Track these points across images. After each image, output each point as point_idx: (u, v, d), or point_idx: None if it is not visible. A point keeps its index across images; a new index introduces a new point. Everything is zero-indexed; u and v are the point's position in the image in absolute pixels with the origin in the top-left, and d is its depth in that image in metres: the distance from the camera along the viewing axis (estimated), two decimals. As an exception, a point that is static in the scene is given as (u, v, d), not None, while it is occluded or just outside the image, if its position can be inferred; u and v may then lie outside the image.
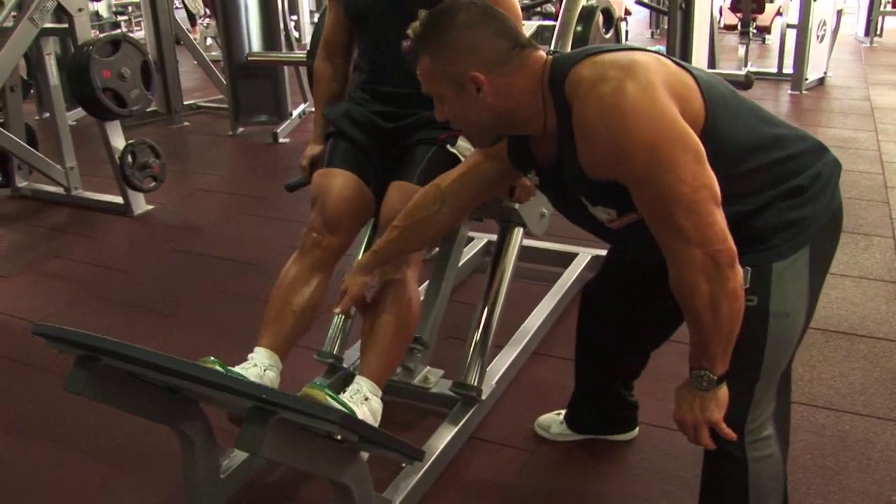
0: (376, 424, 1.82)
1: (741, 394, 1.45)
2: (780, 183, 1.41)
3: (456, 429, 2.17)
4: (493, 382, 2.37)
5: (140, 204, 4.28)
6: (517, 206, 2.32)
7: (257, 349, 1.93)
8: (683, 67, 1.38)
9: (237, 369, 1.83)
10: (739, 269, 1.30)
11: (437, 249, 2.47)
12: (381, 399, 1.88)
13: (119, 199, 4.26)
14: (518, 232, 2.45)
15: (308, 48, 3.28)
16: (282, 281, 2.03)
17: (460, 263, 3.23)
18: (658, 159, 1.25)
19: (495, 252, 2.44)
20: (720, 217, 1.28)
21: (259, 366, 1.88)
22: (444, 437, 2.13)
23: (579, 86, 1.32)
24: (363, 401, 1.81)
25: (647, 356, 2.06)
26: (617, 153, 1.27)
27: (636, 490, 2.08)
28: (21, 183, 4.59)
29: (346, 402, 1.73)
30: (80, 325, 3.02)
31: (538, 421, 2.33)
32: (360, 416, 1.74)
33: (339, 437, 1.39)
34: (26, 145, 4.22)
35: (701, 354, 1.37)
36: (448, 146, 2.09)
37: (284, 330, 1.96)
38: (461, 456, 2.21)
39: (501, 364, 2.50)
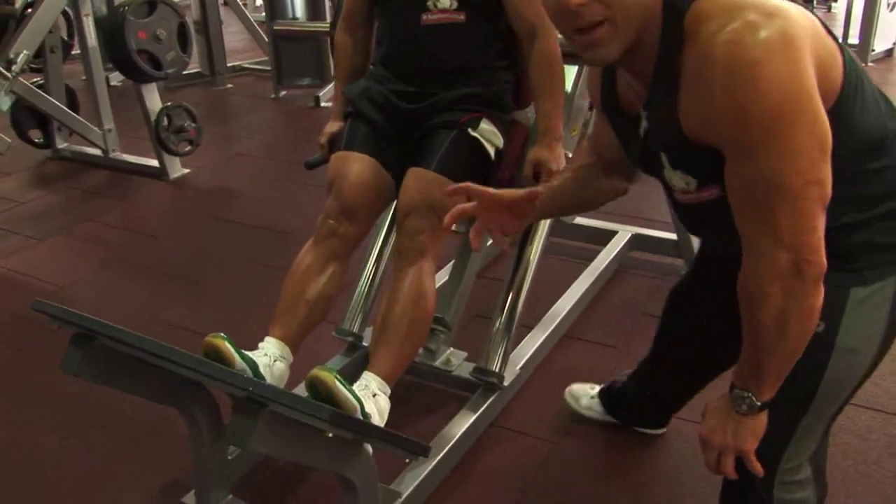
0: (382, 423, 1.73)
1: (783, 428, 1.28)
2: (891, 197, 1.20)
3: (474, 417, 2.07)
4: (518, 368, 2.25)
5: (176, 167, 4.25)
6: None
7: (268, 339, 1.86)
8: (829, 31, 1.14)
9: (249, 355, 1.75)
10: (822, 287, 1.10)
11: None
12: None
13: (155, 163, 4.22)
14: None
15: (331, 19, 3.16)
16: (295, 270, 1.95)
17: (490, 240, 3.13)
18: (778, 137, 1.03)
19: (521, 238, 2.31)
20: (822, 224, 1.08)
21: (269, 356, 1.81)
22: (461, 424, 2.04)
23: (707, 21, 1.06)
24: (371, 396, 1.73)
25: (709, 380, 1.84)
26: (732, 115, 1.05)
27: (661, 489, 1.96)
28: (61, 144, 4.59)
29: (356, 390, 1.64)
30: (106, 292, 3.01)
31: (570, 388, 2.22)
32: (366, 406, 1.65)
33: (330, 435, 1.29)
34: (63, 107, 4.20)
35: (749, 373, 1.20)
36: (470, 130, 1.97)
37: (297, 321, 1.89)
38: (481, 444, 2.11)
39: (528, 347, 2.39)
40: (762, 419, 1.22)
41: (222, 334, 1.69)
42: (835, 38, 1.14)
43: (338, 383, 1.57)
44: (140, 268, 3.22)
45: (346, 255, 1.98)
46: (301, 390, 2.14)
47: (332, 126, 2.18)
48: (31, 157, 4.56)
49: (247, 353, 1.76)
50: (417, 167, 1.94)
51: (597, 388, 2.19)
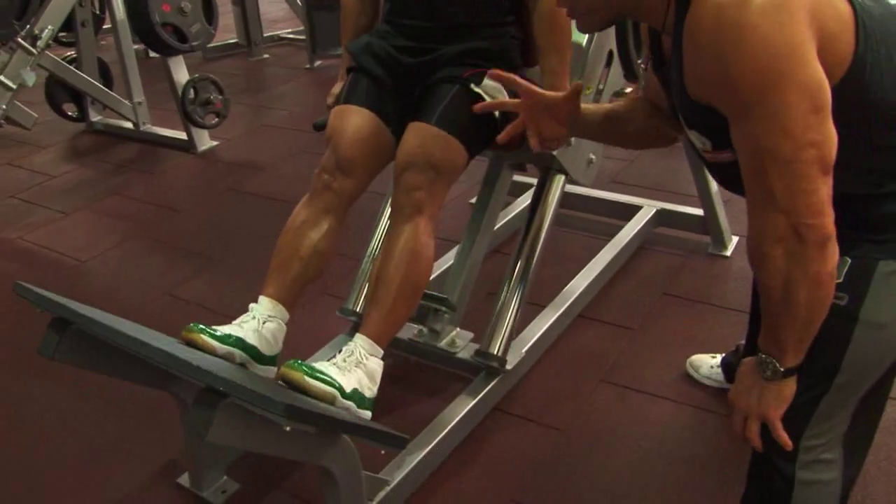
0: (373, 387, 1.67)
1: (804, 403, 1.22)
2: None
3: (473, 402, 2.00)
4: (523, 351, 2.17)
5: (204, 140, 4.24)
6: (556, 152, 2.08)
7: (260, 298, 1.80)
8: None
9: (228, 329, 1.70)
10: (832, 253, 1.07)
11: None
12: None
13: (184, 136, 4.22)
14: (559, 180, 2.22)
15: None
16: (290, 225, 1.89)
17: (513, 213, 3.04)
18: (765, 99, 1.01)
19: (532, 203, 2.21)
20: (823, 186, 1.04)
21: (258, 318, 1.75)
22: (458, 410, 1.97)
23: None
24: (357, 364, 1.65)
25: None
26: (721, 78, 1.04)
27: (673, 480, 1.87)
28: (95, 118, 4.62)
29: (332, 374, 1.57)
30: (123, 266, 3.02)
31: (690, 359, 2.22)
32: (348, 386, 1.59)
33: (287, 429, 1.24)
34: (93, 81, 4.21)
35: (769, 338, 1.16)
36: (472, 85, 1.87)
37: (290, 277, 1.82)
38: (482, 430, 2.05)
39: (538, 328, 2.30)
40: (789, 386, 1.18)
41: (198, 325, 1.64)
42: (853, 4, 1.08)
43: (307, 378, 1.51)
44: (159, 242, 3.22)
45: (341, 210, 1.90)
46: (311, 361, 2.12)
47: (339, 86, 2.11)
48: (66, 131, 4.61)
49: (231, 325, 1.71)
50: (418, 121, 1.86)
51: (718, 357, 2.17)
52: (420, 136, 1.83)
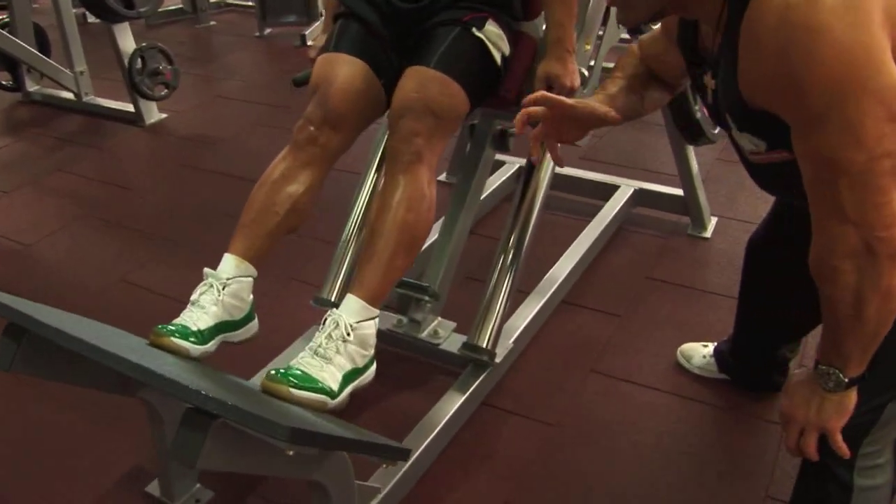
0: (370, 350, 1.54)
1: (867, 410, 1.18)
2: None
3: (462, 398, 1.90)
4: (511, 342, 2.07)
5: (152, 112, 4.00)
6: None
7: (225, 257, 1.64)
8: None
9: (187, 318, 1.55)
10: None
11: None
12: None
13: (131, 107, 3.97)
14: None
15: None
16: (265, 178, 1.72)
17: (489, 190, 2.92)
18: (839, 108, 0.95)
19: (524, 180, 2.08)
20: (895, 197, 0.99)
21: (215, 286, 1.59)
22: (448, 408, 1.87)
23: None
24: (342, 340, 1.49)
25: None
26: (788, 86, 0.97)
27: (670, 478, 1.80)
28: (32, 87, 4.32)
29: (316, 376, 1.43)
30: (74, 250, 2.82)
31: (681, 348, 2.15)
32: (334, 381, 1.45)
33: (290, 454, 1.12)
34: (30, 48, 3.93)
35: (832, 348, 1.12)
36: (474, 29, 1.75)
37: (263, 232, 1.66)
38: (471, 425, 1.95)
39: (524, 317, 2.21)
40: (851, 396, 1.14)
41: (166, 327, 1.50)
42: None
43: (294, 391, 1.37)
44: (111, 224, 3.02)
45: (325, 166, 1.75)
46: (285, 358, 1.98)
47: (321, 39, 1.93)
48: (0, 102, 4.31)
49: (188, 310, 1.57)
50: (416, 65, 1.72)
51: (710, 347, 2.09)
52: (418, 79, 1.69)
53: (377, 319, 1.57)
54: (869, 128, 0.95)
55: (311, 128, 1.72)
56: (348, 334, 1.51)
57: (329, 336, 1.51)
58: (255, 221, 1.67)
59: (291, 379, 1.41)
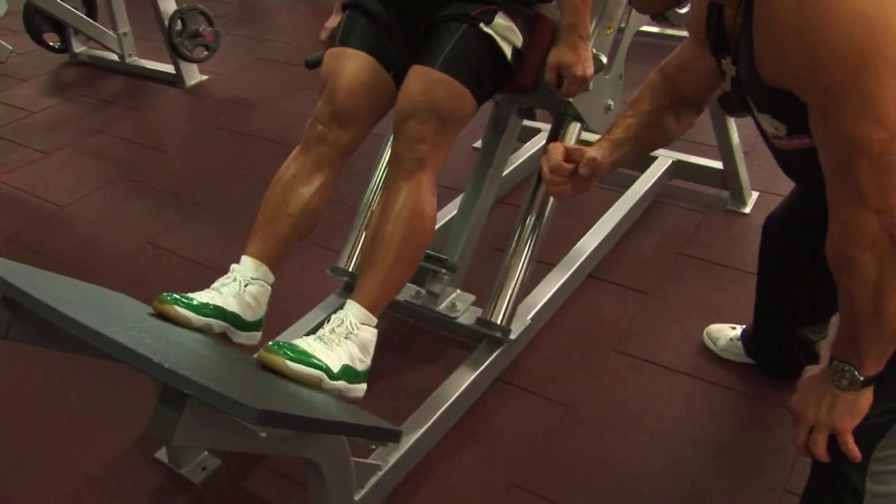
0: (367, 359, 1.52)
1: (883, 412, 1.12)
2: None
3: (474, 375, 1.85)
4: (528, 319, 2.01)
5: (193, 74, 4.00)
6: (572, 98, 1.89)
7: (243, 259, 1.64)
8: None
9: (205, 296, 1.53)
10: None
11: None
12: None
13: (172, 69, 3.98)
14: (575, 128, 2.01)
15: None
16: (278, 179, 1.71)
17: (522, 158, 2.84)
18: (857, 83, 0.90)
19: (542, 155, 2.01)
20: None
21: (239, 280, 1.59)
22: (459, 384, 1.83)
23: None
24: (346, 336, 1.50)
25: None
26: (804, 60, 0.93)
27: (685, 469, 1.73)
28: (79, 49, 4.36)
29: (317, 354, 1.42)
30: (105, 212, 2.84)
31: (708, 329, 2.07)
32: (335, 364, 1.43)
33: (263, 435, 1.09)
34: (73, 9, 3.96)
35: (847, 345, 1.07)
36: (482, 25, 1.67)
37: (276, 236, 1.66)
38: (483, 402, 1.91)
39: (545, 291, 2.14)
40: (866, 396, 1.09)
41: (171, 295, 1.48)
42: None
43: (290, 364, 1.35)
44: (144, 186, 3.03)
45: (337, 164, 1.73)
46: (289, 334, 1.97)
47: (334, 20, 1.90)
48: (49, 63, 4.36)
49: (209, 291, 1.55)
50: (421, 64, 1.67)
51: (738, 329, 2.01)
52: (423, 81, 1.64)
53: (376, 331, 1.57)
54: (888, 103, 0.90)
55: (320, 126, 1.70)
56: (352, 332, 1.51)
57: (335, 328, 1.51)
58: (269, 224, 1.67)
59: (288, 352, 1.39)
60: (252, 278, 1.61)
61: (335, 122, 1.69)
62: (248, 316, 1.59)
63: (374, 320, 1.57)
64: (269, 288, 1.65)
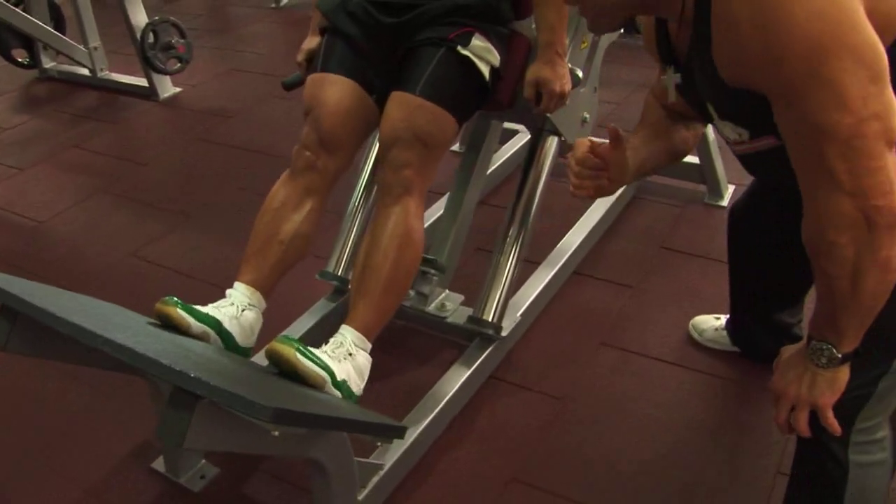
0: (360, 383, 1.55)
1: (861, 384, 1.15)
2: None
3: (468, 372, 1.88)
4: (518, 315, 2.04)
5: (166, 87, 3.98)
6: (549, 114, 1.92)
7: (236, 285, 1.67)
8: None
9: (208, 309, 1.56)
10: None
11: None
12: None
13: (145, 82, 3.96)
14: (552, 142, 2.06)
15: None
16: (268, 206, 1.74)
17: (501, 160, 2.88)
18: (818, 70, 0.92)
19: (524, 167, 2.06)
20: (889, 161, 0.95)
21: (236, 304, 1.62)
22: (453, 382, 1.85)
23: None
24: (346, 356, 1.53)
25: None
26: (763, 53, 0.95)
27: (680, 454, 1.76)
28: (48, 64, 4.32)
29: (324, 359, 1.45)
30: (87, 226, 2.83)
31: (693, 321, 2.10)
32: (339, 375, 1.47)
33: (276, 434, 1.10)
34: (43, 24, 3.92)
35: (826, 325, 1.08)
36: (459, 48, 1.70)
37: (269, 263, 1.69)
38: (477, 399, 1.93)
39: (533, 288, 2.17)
40: (844, 372, 1.11)
41: (174, 298, 1.50)
42: None
43: (300, 357, 1.38)
44: (125, 199, 3.02)
45: (324, 190, 1.76)
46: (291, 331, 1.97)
47: (311, 42, 1.93)
48: (18, 79, 4.31)
49: (208, 307, 1.57)
50: (400, 91, 1.70)
51: (723, 319, 2.04)
52: (404, 108, 1.67)
53: (371, 360, 1.60)
54: (851, 87, 0.92)
55: (308, 153, 1.73)
56: (350, 354, 1.54)
57: (335, 349, 1.55)
58: (261, 252, 1.69)
59: (300, 347, 1.42)
60: (248, 304, 1.63)
61: (323, 149, 1.72)
62: (241, 340, 1.60)
63: (369, 345, 1.61)
64: (262, 318, 1.67)
